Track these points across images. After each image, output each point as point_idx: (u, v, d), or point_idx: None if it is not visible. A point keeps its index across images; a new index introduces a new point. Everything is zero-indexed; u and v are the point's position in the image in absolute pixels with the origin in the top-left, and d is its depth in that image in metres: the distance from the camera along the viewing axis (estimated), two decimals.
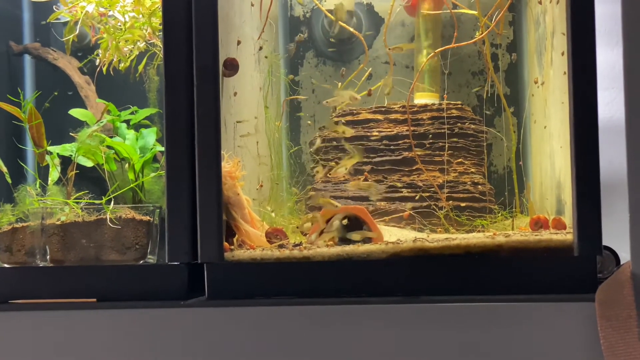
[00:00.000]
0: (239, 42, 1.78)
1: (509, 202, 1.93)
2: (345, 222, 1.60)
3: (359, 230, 1.61)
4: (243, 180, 1.69)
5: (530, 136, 2.01)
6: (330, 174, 1.84)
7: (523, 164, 1.97)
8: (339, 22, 1.94)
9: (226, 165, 1.62)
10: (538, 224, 1.65)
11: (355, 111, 1.97)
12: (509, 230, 1.75)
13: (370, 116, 1.94)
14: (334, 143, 1.94)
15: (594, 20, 1.46)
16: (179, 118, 1.56)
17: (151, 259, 1.72)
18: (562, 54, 1.59)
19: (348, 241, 1.60)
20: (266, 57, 2.06)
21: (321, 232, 1.62)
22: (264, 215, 1.87)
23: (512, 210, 1.90)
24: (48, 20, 1.95)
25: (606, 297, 1.36)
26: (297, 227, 1.62)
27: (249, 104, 1.92)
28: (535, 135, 1.97)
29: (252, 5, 1.92)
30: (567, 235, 1.50)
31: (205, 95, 1.54)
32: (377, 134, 1.90)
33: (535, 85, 1.95)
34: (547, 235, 1.51)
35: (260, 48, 2.01)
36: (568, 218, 1.62)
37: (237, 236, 1.63)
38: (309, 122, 2.13)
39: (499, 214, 1.89)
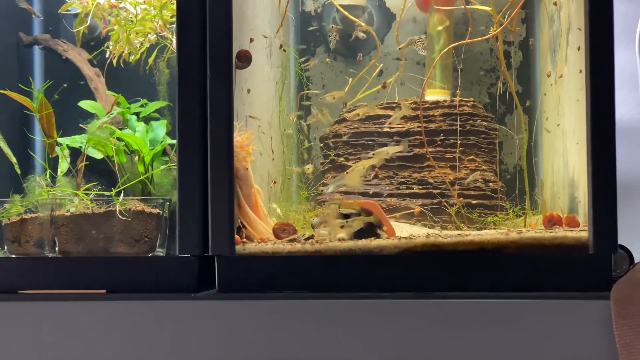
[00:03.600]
0: (251, 40, 1.78)
1: (520, 199, 1.92)
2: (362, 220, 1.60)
3: (372, 227, 1.60)
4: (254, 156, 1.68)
5: (542, 134, 2.00)
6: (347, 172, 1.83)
7: (535, 161, 1.98)
8: (351, 18, 1.94)
9: (237, 137, 1.61)
10: (551, 222, 1.64)
11: (366, 106, 1.95)
12: (520, 228, 1.74)
13: (381, 112, 1.93)
14: (344, 138, 1.94)
15: (612, 15, 1.45)
16: (191, 110, 1.56)
17: (160, 252, 1.71)
18: (579, 48, 1.59)
19: (359, 236, 1.60)
20: (284, 49, 2.05)
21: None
22: (273, 212, 1.87)
23: (524, 207, 1.89)
24: (59, 12, 1.96)
25: (622, 295, 1.35)
26: (311, 220, 1.61)
27: (261, 98, 1.91)
28: (547, 133, 1.96)
29: None
30: (581, 233, 1.49)
31: (219, 87, 1.54)
32: (387, 129, 1.89)
33: (547, 84, 1.95)
34: (562, 233, 1.50)
35: (281, 47, 2.03)
36: (582, 216, 1.61)
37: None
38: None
39: (510, 211, 1.89)
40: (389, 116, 1.88)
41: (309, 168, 1.93)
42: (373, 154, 1.74)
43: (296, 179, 2.07)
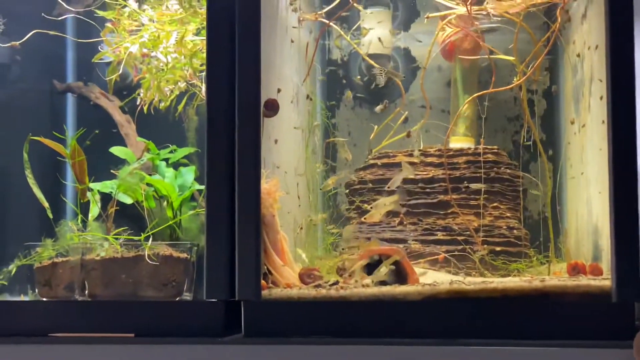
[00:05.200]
0: (279, 90, 1.82)
1: (544, 247, 1.93)
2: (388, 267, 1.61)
3: (395, 272, 1.62)
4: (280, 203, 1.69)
5: (566, 182, 2.02)
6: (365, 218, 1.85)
7: (558, 210, 1.99)
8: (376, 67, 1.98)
9: (264, 184, 1.63)
10: (576, 269, 1.66)
11: (391, 154, 1.99)
12: (544, 275, 1.75)
13: (406, 159, 1.94)
14: (370, 185, 1.96)
15: (633, 67, 1.47)
16: (219, 157, 1.59)
17: (187, 296, 1.74)
18: (601, 98, 1.61)
19: (384, 281, 1.61)
20: (310, 98, 2.09)
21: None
22: (298, 257, 1.88)
23: (548, 255, 1.90)
24: (93, 60, 2.01)
25: None
26: (338, 267, 1.64)
27: (287, 145, 1.94)
28: (571, 181, 1.98)
29: (292, 41, 1.96)
30: (604, 281, 1.51)
31: (246, 134, 1.58)
32: (412, 176, 1.90)
33: (571, 132, 1.96)
34: (585, 281, 1.52)
35: (308, 97, 2.07)
36: (605, 264, 1.63)
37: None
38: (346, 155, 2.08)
39: (534, 259, 1.90)
40: (414, 163, 1.91)
41: (332, 180, 1.92)
42: (371, 208, 1.77)
43: (321, 225, 2.08)
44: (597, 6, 1.65)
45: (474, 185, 1.88)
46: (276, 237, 1.67)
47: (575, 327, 1.47)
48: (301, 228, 1.97)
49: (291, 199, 1.94)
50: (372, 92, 2.15)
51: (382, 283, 1.61)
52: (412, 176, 1.83)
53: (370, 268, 1.63)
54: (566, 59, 2.02)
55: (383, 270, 1.61)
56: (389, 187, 1.79)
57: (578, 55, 1.89)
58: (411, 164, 1.84)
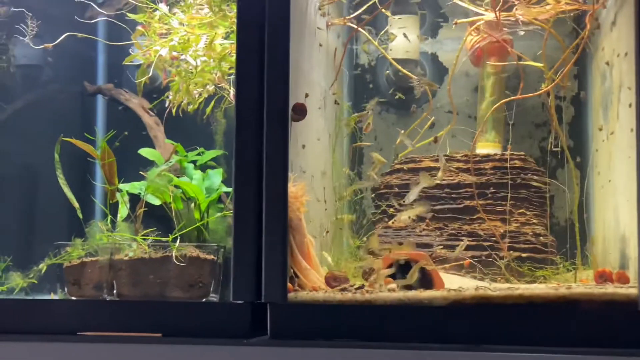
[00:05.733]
0: (307, 95, 1.83)
1: (570, 254, 1.92)
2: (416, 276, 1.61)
3: (420, 277, 1.61)
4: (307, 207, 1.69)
5: (593, 189, 2.02)
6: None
7: (585, 217, 1.98)
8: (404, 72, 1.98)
9: (292, 187, 1.63)
10: (603, 277, 1.66)
11: (417, 158, 2.00)
12: (571, 283, 1.75)
13: (432, 164, 1.96)
14: (396, 189, 1.97)
15: None
16: (247, 160, 1.60)
17: (213, 298, 1.75)
18: (630, 105, 1.61)
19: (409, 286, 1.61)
20: (337, 102, 2.09)
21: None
22: (324, 260, 1.89)
23: (574, 262, 1.90)
24: (123, 63, 2.04)
25: None
26: (364, 270, 1.64)
27: (315, 150, 1.96)
28: (599, 188, 1.98)
29: (320, 45, 1.97)
30: (630, 290, 1.50)
31: (274, 138, 1.58)
32: (438, 181, 1.90)
33: (599, 139, 1.96)
34: (612, 289, 1.50)
35: (336, 102, 2.07)
36: (632, 272, 1.63)
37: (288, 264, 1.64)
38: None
39: (561, 266, 1.90)
40: (438, 169, 1.90)
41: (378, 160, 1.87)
42: (393, 222, 1.77)
43: (347, 229, 2.09)
44: (627, 13, 1.66)
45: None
46: (303, 241, 1.68)
47: (601, 335, 1.46)
48: (327, 232, 1.98)
49: (318, 203, 1.94)
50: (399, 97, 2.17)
51: (408, 287, 1.61)
52: (431, 184, 1.81)
53: (397, 272, 1.63)
54: (595, 66, 2.03)
55: (414, 275, 1.60)
56: (404, 202, 1.79)
57: (607, 63, 1.89)
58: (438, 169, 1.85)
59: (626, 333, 1.46)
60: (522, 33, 1.90)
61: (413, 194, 1.77)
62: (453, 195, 1.94)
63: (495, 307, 1.51)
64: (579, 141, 2.13)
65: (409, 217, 1.76)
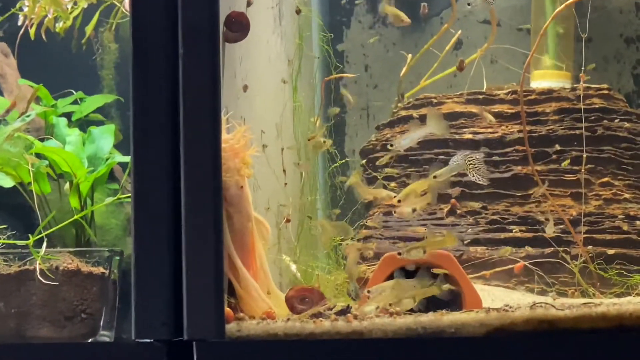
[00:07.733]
0: (249, 3, 1.80)
1: None
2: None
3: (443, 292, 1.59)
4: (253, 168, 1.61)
5: None
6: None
7: None
8: None
9: (225, 135, 1.52)
10: None
11: (435, 100, 1.92)
12: None
13: (459, 108, 1.91)
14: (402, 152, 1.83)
15: None
16: (154, 107, 1.52)
17: (105, 336, 1.68)
18: None
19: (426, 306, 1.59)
20: (299, 11, 2.11)
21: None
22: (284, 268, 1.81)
23: None
24: None
25: None
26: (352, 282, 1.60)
27: (265, 91, 1.92)
28: None
29: None
30: None
31: (196, 68, 1.51)
32: (470, 136, 1.88)
33: None
34: None
35: (298, 10, 2.02)
36: None
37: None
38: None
39: None
40: (472, 115, 1.87)
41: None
42: (435, 176, 1.65)
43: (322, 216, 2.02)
44: None
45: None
46: (245, 226, 1.60)
47: None
48: (287, 220, 1.90)
49: (272, 175, 1.90)
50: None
51: (424, 308, 1.58)
52: (443, 134, 1.72)
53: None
54: None
55: (435, 290, 1.57)
56: (391, 147, 1.68)
57: None
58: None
59: None
60: None
61: (407, 139, 1.68)
62: (494, 158, 1.90)
63: (563, 335, 1.47)
64: None
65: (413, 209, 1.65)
